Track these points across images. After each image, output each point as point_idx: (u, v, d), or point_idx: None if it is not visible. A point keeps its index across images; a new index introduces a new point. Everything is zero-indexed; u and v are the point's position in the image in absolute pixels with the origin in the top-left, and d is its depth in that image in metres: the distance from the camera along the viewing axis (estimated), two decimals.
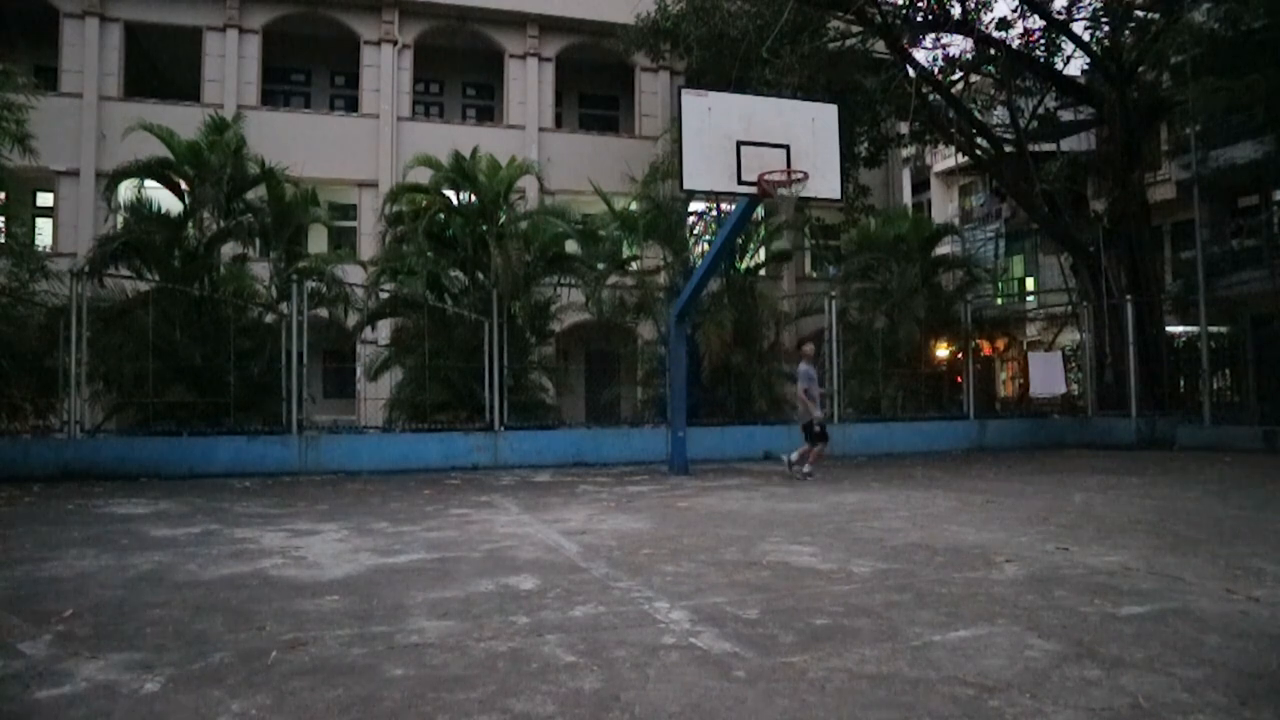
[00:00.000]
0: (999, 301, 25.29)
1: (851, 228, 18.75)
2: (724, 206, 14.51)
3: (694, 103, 9.52)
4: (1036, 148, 20.69)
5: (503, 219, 13.92)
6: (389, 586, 4.54)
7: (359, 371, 15.07)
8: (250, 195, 13.31)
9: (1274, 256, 18.91)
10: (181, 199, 12.95)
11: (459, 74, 23.07)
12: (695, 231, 15.87)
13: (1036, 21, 19.04)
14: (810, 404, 10.49)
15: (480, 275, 13.70)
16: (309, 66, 22.42)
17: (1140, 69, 18.37)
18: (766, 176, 9.33)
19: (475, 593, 4.37)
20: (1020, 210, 22.03)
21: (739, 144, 9.38)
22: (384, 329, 15.48)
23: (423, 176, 14.40)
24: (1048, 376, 16.79)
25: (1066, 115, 21.71)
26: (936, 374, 16.80)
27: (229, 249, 13.36)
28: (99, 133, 18.15)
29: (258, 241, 13.38)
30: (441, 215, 14.06)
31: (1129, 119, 17.90)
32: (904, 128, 19.78)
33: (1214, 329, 15.94)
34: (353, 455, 11.80)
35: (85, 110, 18.43)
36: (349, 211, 20.33)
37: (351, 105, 21.48)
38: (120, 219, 13.48)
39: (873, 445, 14.24)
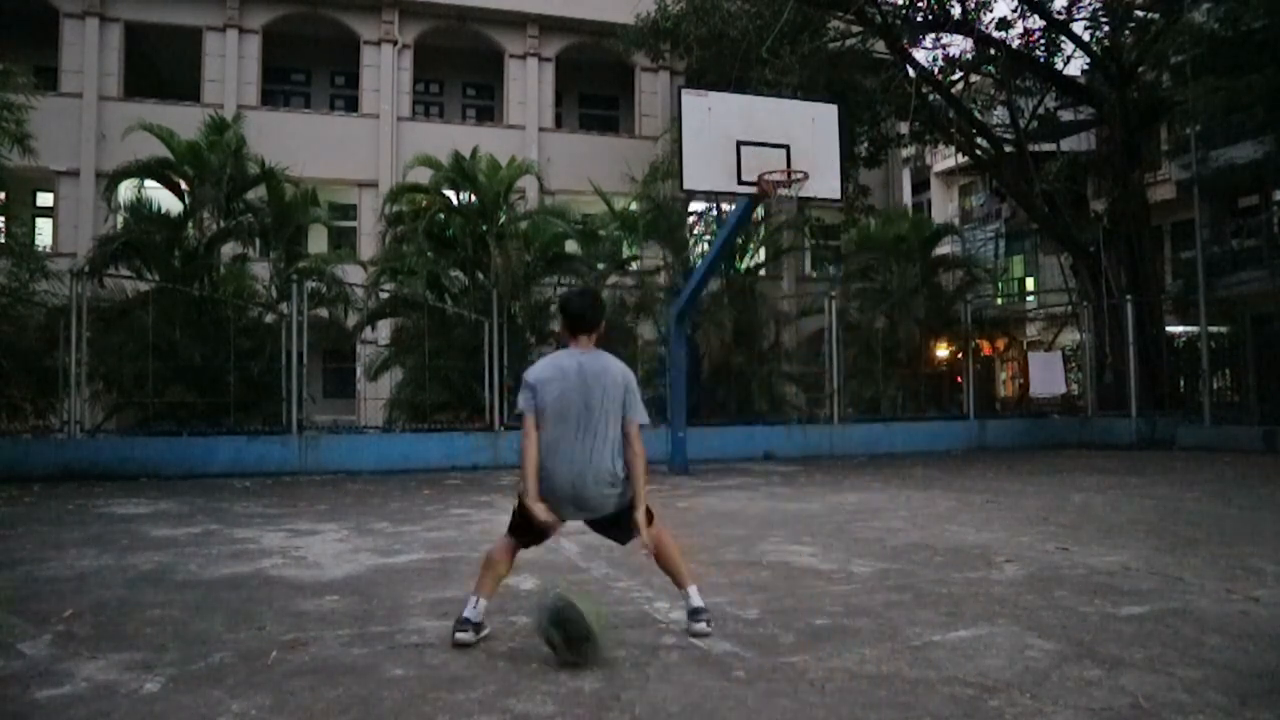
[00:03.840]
0: (999, 301, 25.28)
1: (851, 228, 18.75)
2: (724, 206, 14.51)
3: (694, 103, 9.52)
4: (1036, 148, 20.68)
5: (503, 219, 13.92)
6: (389, 586, 4.54)
7: (359, 371, 15.06)
8: (250, 195, 13.30)
9: (1274, 256, 18.91)
10: (181, 199, 12.95)
11: (459, 74, 23.07)
12: (695, 231, 15.87)
13: (1036, 21, 19.05)
14: None
15: (480, 275, 13.70)
16: (309, 66, 22.42)
17: (1140, 69, 18.36)
18: (766, 176, 9.33)
19: None
20: (1020, 210, 22.03)
21: (739, 144, 9.37)
22: (384, 329, 15.47)
23: (423, 176, 14.40)
24: (1048, 376, 16.78)
25: (1066, 115, 21.71)
26: (936, 374, 16.80)
27: (229, 249, 13.35)
28: (99, 133, 18.15)
29: (258, 241, 13.37)
30: (441, 215, 14.06)
31: (1129, 119, 17.90)
32: (904, 128, 19.77)
33: (1214, 329, 15.92)
34: (353, 455, 11.79)
35: (85, 110, 18.43)
36: (349, 211, 20.33)
37: (351, 105, 21.47)
38: (120, 219, 13.48)
39: (873, 445, 14.23)
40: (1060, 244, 19.85)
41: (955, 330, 16.53)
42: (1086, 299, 18.40)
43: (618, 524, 3.53)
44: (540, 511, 3.35)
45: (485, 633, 3.49)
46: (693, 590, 3.56)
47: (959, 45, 19.76)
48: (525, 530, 3.50)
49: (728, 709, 2.73)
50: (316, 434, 11.86)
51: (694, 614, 3.51)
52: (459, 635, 3.38)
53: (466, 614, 3.41)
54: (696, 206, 15.67)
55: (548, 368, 3.52)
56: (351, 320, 13.73)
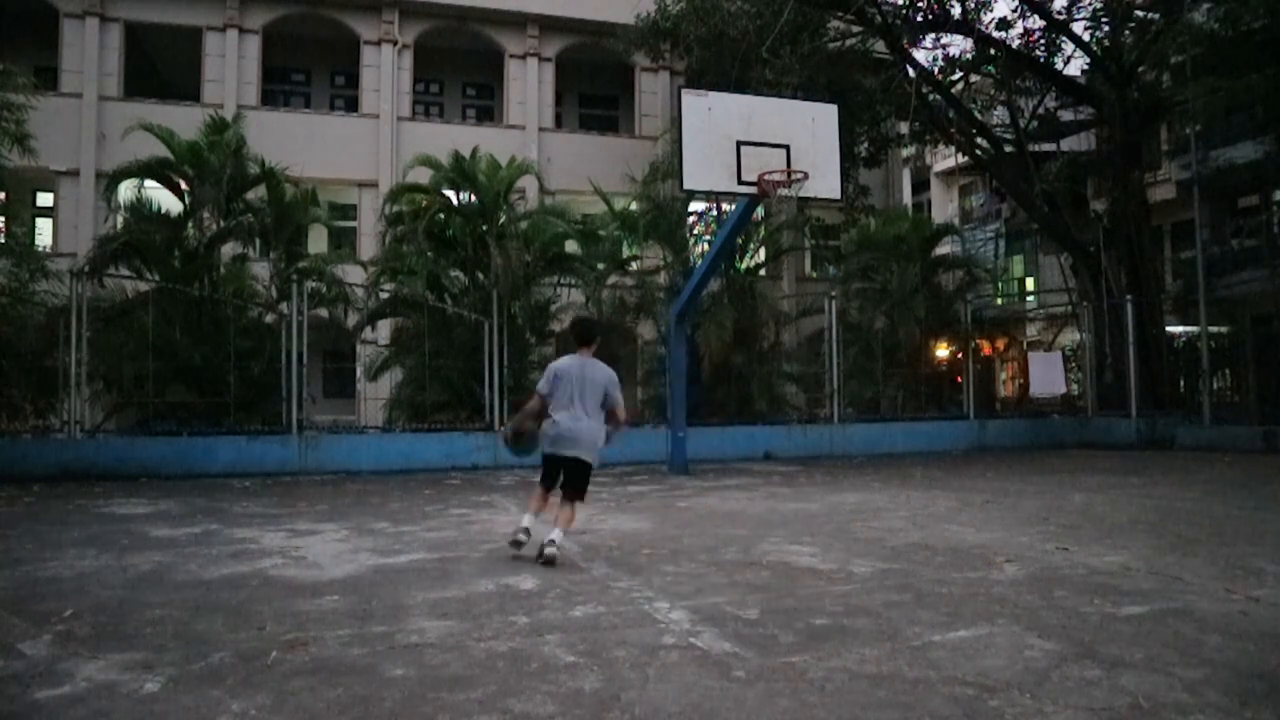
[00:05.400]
0: (999, 301, 25.28)
1: (851, 228, 18.75)
2: (724, 206, 14.51)
3: (694, 103, 9.52)
4: (1036, 148, 20.68)
5: (503, 219, 13.93)
6: (389, 586, 4.54)
7: (359, 371, 15.06)
8: (250, 195, 13.31)
9: (1274, 256, 18.90)
10: (181, 199, 12.95)
11: (459, 74, 23.08)
12: (695, 231, 15.87)
13: (1036, 21, 19.07)
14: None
15: (480, 275, 13.70)
16: (309, 66, 22.43)
17: (1140, 69, 18.37)
18: (766, 176, 9.32)
19: (475, 593, 4.37)
20: (1020, 210, 22.04)
21: (739, 144, 9.37)
22: (384, 329, 15.48)
23: (423, 176, 14.41)
24: (1048, 376, 16.79)
25: (1066, 115, 21.71)
26: (936, 374, 16.81)
27: (229, 249, 13.36)
28: (99, 133, 18.16)
29: (258, 241, 13.38)
30: (441, 215, 14.06)
31: (1129, 119, 17.90)
32: (904, 128, 19.78)
33: (1214, 329, 15.92)
34: (353, 455, 11.80)
35: (85, 110, 18.44)
36: (349, 211, 20.33)
37: (351, 105, 21.48)
38: (120, 219, 13.48)
39: (873, 445, 14.23)
40: (1060, 244, 19.85)
41: (955, 330, 16.54)
42: (1086, 299, 18.40)
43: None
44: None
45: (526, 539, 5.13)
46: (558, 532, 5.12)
47: (959, 45, 19.82)
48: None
49: (728, 709, 2.73)
50: (316, 434, 11.86)
51: (550, 542, 5.03)
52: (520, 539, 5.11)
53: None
54: (696, 206, 15.67)
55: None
56: (351, 320, 13.74)
